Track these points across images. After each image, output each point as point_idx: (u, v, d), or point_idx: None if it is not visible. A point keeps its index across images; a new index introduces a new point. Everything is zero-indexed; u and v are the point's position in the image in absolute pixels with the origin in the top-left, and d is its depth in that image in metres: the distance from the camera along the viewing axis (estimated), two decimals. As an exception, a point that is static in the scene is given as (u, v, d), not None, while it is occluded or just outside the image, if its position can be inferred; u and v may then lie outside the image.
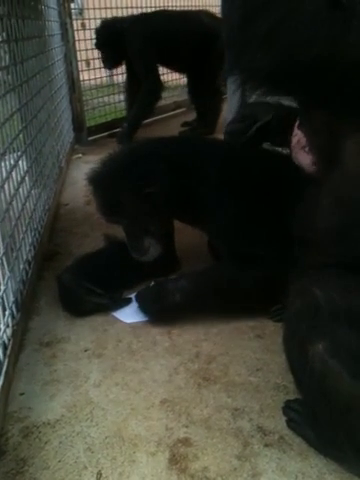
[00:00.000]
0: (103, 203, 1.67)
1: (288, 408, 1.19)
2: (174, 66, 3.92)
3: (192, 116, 4.08)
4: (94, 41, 3.66)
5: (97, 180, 1.67)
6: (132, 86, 3.78)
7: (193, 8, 4.71)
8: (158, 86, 3.63)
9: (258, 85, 0.97)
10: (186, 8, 4.68)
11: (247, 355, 1.42)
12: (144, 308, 1.61)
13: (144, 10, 4.15)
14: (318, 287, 0.93)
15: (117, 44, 3.52)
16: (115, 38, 3.50)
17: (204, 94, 3.77)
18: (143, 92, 3.61)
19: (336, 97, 0.90)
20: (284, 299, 1.55)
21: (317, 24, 0.82)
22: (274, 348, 1.44)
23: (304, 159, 1.15)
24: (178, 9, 4.53)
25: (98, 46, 3.65)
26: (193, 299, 1.55)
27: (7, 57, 1.81)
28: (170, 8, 4.45)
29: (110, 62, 3.72)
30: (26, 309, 1.63)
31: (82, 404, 1.29)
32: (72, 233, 2.34)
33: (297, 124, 1.14)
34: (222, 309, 1.58)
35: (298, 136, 1.13)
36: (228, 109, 3.20)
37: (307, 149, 1.12)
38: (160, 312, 1.59)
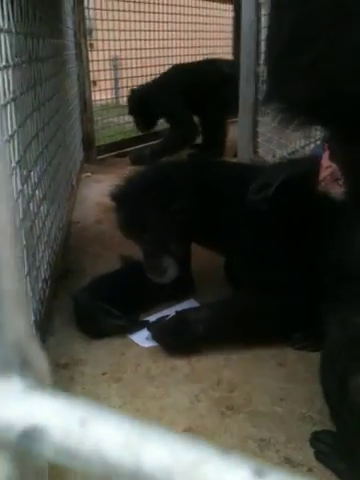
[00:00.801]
0: (127, 219, 1.67)
1: (316, 440, 1.17)
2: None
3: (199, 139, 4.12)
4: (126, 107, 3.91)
5: (122, 196, 1.68)
6: None
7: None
8: (193, 131, 3.82)
9: (297, 115, 0.97)
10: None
11: (270, 384, 1.40)
12: (164, 341, 1.57)
13: (151, 33, 4.23)
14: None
15: (147, 110, 3.73)
16: (145, 104, 3.70)
17: (211, 121, 3.86)
18: (177, 133, 3.80)
19: None
20: (306, 327, 1.56)
21: None
22: (296, 377, 1.42)
23: (336, 190, 1.15)
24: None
25: (130, 113, 3.89)
26: (215, 330, 1.53)
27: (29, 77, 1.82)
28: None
29: (143, 126, 3.95)
30: (42, 329, 1.61)
31: (102, 430, 1.26)
32: (84, 252, 2.33)
33: (328, 156, 1.13)
34: (245, 339, 1.56)
35: (331, 168, 1.13)
36: (239, 132, 3.23)
37: (341, 182, 1.12)
38: (181, 346, 1.55)
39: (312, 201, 1.40)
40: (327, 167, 1.16)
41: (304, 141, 3.32)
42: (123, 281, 1.81)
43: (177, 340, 1.55)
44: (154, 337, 1.58)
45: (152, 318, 1.70)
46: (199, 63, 4.12)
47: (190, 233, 1.67)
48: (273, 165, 1.68)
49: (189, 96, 3.67)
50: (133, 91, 3.86)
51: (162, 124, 4.09)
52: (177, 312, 1.60)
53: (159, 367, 1.50)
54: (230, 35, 5.17)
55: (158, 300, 1.80)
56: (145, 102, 3.69)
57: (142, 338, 1.64)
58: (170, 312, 1.67)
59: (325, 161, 1.16)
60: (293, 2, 0.86)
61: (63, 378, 1.46)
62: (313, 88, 0.87)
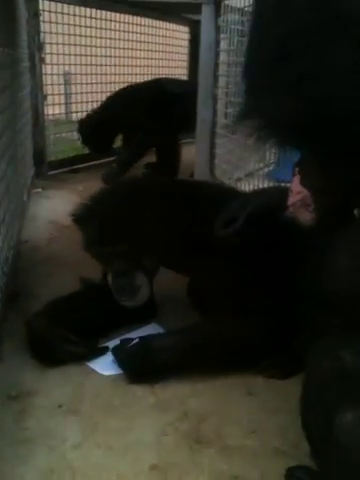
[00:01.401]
0: (96, 233, 1.57)
1: (291, 477, 1.10)
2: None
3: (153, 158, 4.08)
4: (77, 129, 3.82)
5: (89, 212, 1.61)
6: None
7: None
8: (157, 132, 3.74)
9: (276, 133, 0.93)
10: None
11: (240, 414, 1.33)
12: (125, 367, 1.48)
13: (104, 49, 4.18)
14: (347, 351, 0.87)
15: (102, 133, 3.68)
16: (99, 128, 3.64)
17: (163, 140, 3.85)
18: (138, 139, 3.72)
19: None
20: (274, 354, 1.51)
21: (346, 79, 0.79)
22: (267, 406, 1.36)
23: (305, 217, 1.11)
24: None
25: (84, 142, 3.81)
26: (182, 357, 1.45)
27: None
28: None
29: (99, 150, 3.93)
30: (-10, 356, 1.48)
31: (61, 469, 1.15)
32: (34, 273, 2.19)
33: (299, 181, 1.09)
34: (212, 367, 1.49)
35: (302, 194, 1.09)
36: (197, 153, 3.21)
37: (311, 208, 1.08)
38: (144, 372, 1.46)
39: (280, 230, 1.36)
40: (297, 193, 1.11)
41: (260, 164, 3.35)
42: (82, 304, 1.70)
43: (141, 368, 1.45)
44: (118, 362, 1.48)
45: (112, 343, 1.59)
46: (147, 83, 4.12)
47: (162, 247, 1.59)
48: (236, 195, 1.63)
49: (142, 112, 3.65)
50: (82, 120, 3.79)
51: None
52: (140, 338, 1.51)
53: (121, 397, 1.40)
54: (186, 57, 5.19)
55: (119, 324, 1.70)
56: (97, 125, 3.63)
57: (102, 365, 1.53)
58: (132, 336, 1.57)
59: (295, 186, 1.11)
60: (280, 17, 0.82)
61: (13, 411, 1.33)
62: (296, 106, 0.83)
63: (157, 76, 4.60)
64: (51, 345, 1.53)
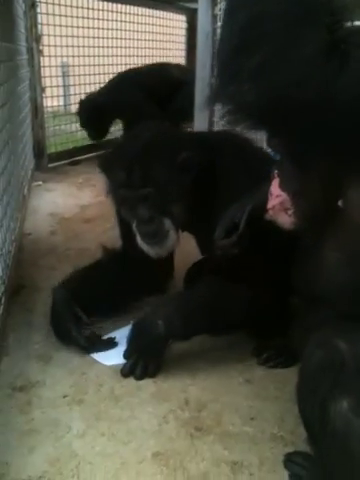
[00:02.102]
0: (124, 176, 1.52)
1: (290, 462, 1.14)
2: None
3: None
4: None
5: (116, 156, 1.59)
6: None
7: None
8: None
9: (244, 117, 0.94)
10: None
11: (238, 402, 1.36)
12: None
13: (102, 40, 4.16)
14: (342, 340, 0.89)
15: (100, 116, 3.69)
16: (97, 111, 3.64)
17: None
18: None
19: (331, 141, 0.88)
20: (274, 344, 1.54)
21: (313, 66, 0.81)
22: (265, 394, 1.40)
23: (284, 221, 1.12)
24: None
25: (82, 125, 3.82)
26: (180, 325, 1.46)
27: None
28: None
29: (96, 135, 3.91)
30: (-4, 349, 1.51)
31: (66, 458, 1.18)
32: (37, 265, 2.22)
33: (278, 185, 1.10)
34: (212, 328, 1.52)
35: (281, 197, 1.10)
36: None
37: (290, 212, 1.09)
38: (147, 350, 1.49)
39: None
40: (276, 196, 1.12)
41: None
42: (102, 276, 1.74)
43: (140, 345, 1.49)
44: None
45: (118, 333, 1.64)
46: (151, 67, 4.08)
47: (192, 195, 1.54)
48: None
49: (145, 98, 3.62)
50: (82, 101, 3.76)
51: (112, 133, 4.04)
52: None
53: (123, 387, 1.43)
54: (183, 46, 5.17)
55: (138, 295, 1.77)
56: (98, 108, 3.60)
57: (105, 355, 1.57)
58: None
59: (275, 189, 1.12)
60: (243, 6, 0.84)
61: (19, 402, 1.37)
62: (260, 91, 0.84)
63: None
64: (63, 324, 1.59)
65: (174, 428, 1.27)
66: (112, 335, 1.65)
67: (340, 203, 1.03)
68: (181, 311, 1.47)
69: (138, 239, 1.57)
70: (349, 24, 0.88)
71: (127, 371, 1.48)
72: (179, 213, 1.56)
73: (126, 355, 1.51)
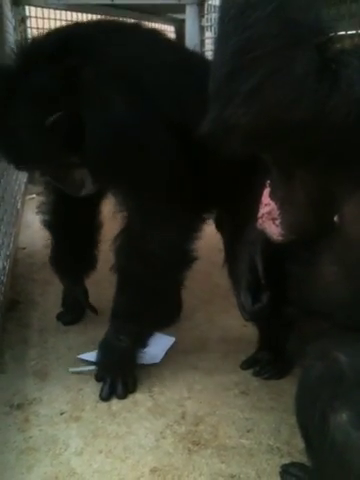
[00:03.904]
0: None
1: (286, 473, 1.15)
2: None
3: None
4: None
5: None
6: None
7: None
8: None
9: (239, 140, 0.95)
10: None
11: (235, 414, 1.37)
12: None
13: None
14: (342, 352, 0.90)
15: None
16: None
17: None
18: None
19: (321, 156, 0.90)
20: (262, 357, 1.54)
21: (304, 86, 0.82)
22: (261, 406, 1.41)
23: (273, 230, 1.13)
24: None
25: None
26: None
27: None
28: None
29: None
30: (-8, 367, 1.52)
31: (64, 476, 1.19)
32: (33, 280, 2.23)
33: (268, 194, 1.11)
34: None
35: (270, 207, 1.11)
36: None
37: (278, 222, 1.10)
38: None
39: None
40: (265, 205, 1.13)
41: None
42: None
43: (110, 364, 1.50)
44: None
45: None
46: None
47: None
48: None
49: None
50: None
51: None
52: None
53: (120, 402, 1.44)
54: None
55: None
56: None
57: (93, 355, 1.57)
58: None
59: (265, 198, 1.13)
60: (234, 32, 0.85)
61: (17, 420, 1.37)
62: (254, 113, 0.86)
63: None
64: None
65: (171, 443, 1.28)
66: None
67: (336, 218, 1.05)
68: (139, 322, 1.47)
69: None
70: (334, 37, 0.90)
71: (107, 395, 1.46)
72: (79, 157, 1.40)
73: (98, 378, 1.50)
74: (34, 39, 1.51)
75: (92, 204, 1.75)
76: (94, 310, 1.87)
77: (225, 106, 0.87)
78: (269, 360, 1.54)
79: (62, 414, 1.40)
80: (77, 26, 1.74)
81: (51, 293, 2.06)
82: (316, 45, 0.83)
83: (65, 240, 1.81)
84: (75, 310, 1.89)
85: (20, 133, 1.34)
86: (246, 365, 1.57)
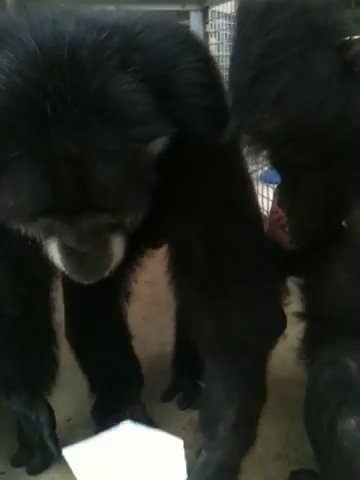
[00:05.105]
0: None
1: (295, 480, 1.15)
2: None
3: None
4: None
5: None
6: None
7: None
8: None
9: (264, 145, 0.95)
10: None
11: (243, 421, 1.37)
12: None
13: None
14: (351, 358, 0.90)
15: None
16: None
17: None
18: None
19: (339, 159, 0.90)
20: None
21: (329, 90, 0.82)
22: (269, 412, 1.39)
23: (281, 237, 1.13)
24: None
25: None
26: None
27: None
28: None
29: None
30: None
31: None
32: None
33: (276, 202, 1.12)
34: None
35: (278, 214, 1.12)
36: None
37: (287, 229, 1.10)
38: None
39: None
40: (274, 212, 1.14)
41: (252, 167, 3.35)
42: None
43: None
44: None
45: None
46: None
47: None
48: None
49: None
50: None
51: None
52: None
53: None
54: (176, 61, 5.20)
55: None
56: None
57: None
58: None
59: (274, 206, 1.15)
60: (257, 35, 0.85)
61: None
62: (280, 119, 0.86)
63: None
64: None
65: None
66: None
67: (344, 223, 1.05)
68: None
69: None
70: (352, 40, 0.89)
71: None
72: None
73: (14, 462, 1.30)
74: None
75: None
76: None
77: (250, 112, 0.86)
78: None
79: (69, 420, 1.40)
80: None
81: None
82: (336, 46, 0.83)
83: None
84: None
85: None
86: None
